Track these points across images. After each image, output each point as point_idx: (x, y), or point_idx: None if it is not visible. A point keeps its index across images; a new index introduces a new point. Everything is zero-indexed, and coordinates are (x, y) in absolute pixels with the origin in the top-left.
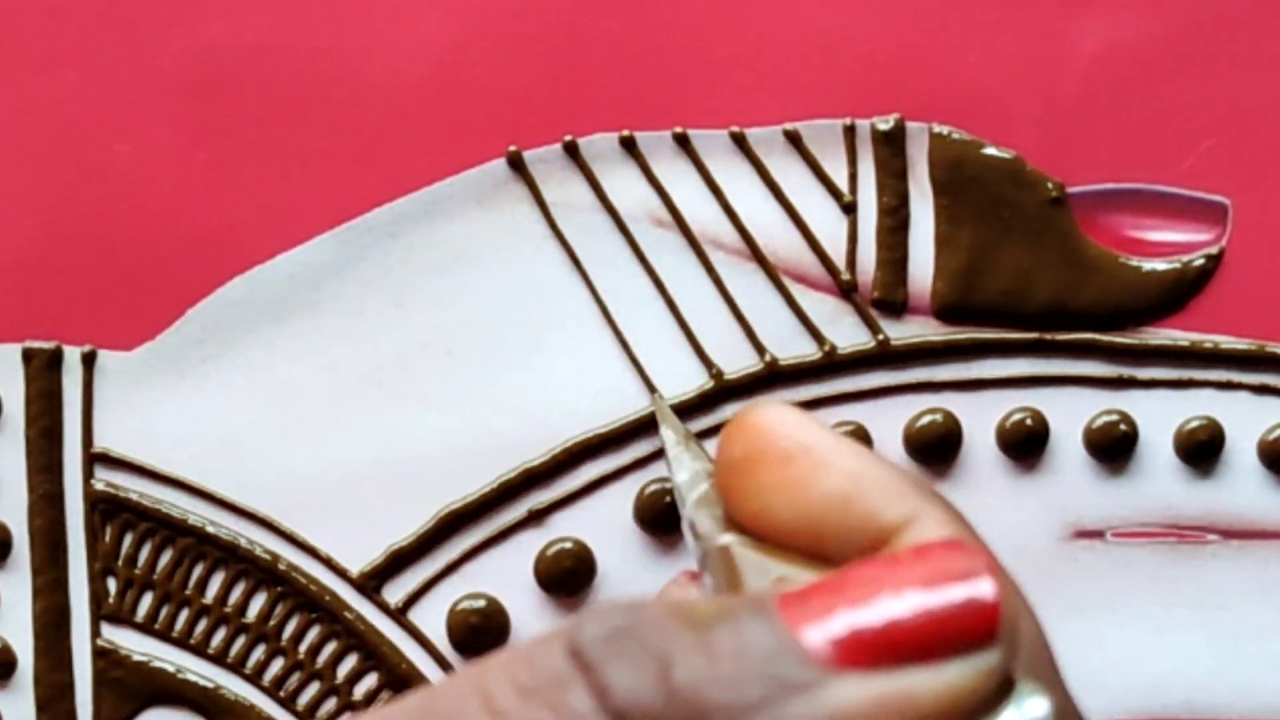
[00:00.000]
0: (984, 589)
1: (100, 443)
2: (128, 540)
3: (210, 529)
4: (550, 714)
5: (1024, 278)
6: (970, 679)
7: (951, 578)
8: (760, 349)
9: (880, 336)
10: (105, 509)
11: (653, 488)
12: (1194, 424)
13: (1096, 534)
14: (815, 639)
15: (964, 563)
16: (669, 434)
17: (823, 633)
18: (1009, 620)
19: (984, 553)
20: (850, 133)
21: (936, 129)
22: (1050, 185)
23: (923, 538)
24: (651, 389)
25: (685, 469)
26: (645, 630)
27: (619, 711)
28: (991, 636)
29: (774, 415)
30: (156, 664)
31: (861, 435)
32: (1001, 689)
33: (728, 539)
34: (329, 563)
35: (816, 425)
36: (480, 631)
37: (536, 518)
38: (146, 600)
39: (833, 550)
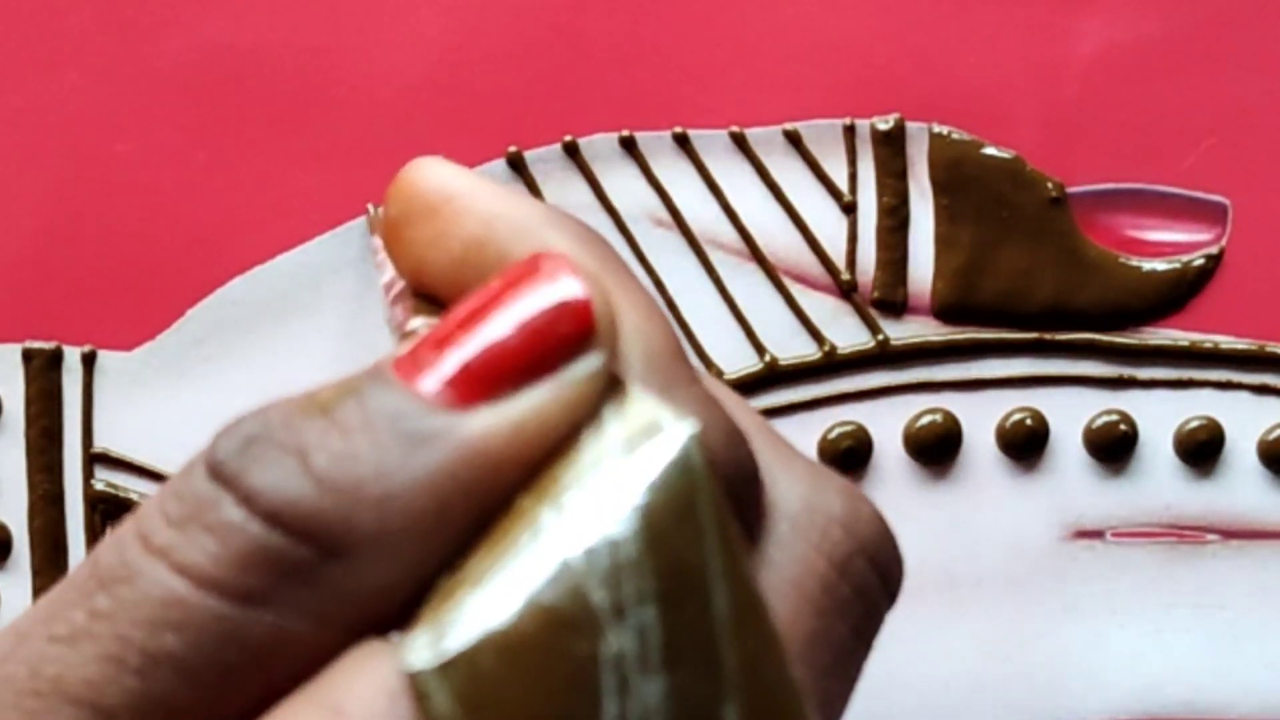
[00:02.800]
0: (568, 286)
1: (100, 443)
2: None
3: None
4: (206, 535)
5: (1024, 278)
6: (580, 382)
7: (532, 285)
8: (760, 349)
9: (880, 336)
10: (105, 509)
11: None
12: (1194, 424)
13: (1096, 534)
14: (431, 385)
15: (544, 268)
16: (376, 241)
17: (436, 378)
18: (607, 320)
19: (564, 256)
20: (850, 133)
21: (936, 129)
22: (1050, 185)
23: None
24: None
25: (388, 271)
26: (275, 429)
27: (271, 511)
28: (588, 336)
29: (421, 169)
30: None
31: (861, 435)
32: (609, 393)
33: (415, 323)
34: None
35: (464, 173)
36: None
37: None
38: None
39: None
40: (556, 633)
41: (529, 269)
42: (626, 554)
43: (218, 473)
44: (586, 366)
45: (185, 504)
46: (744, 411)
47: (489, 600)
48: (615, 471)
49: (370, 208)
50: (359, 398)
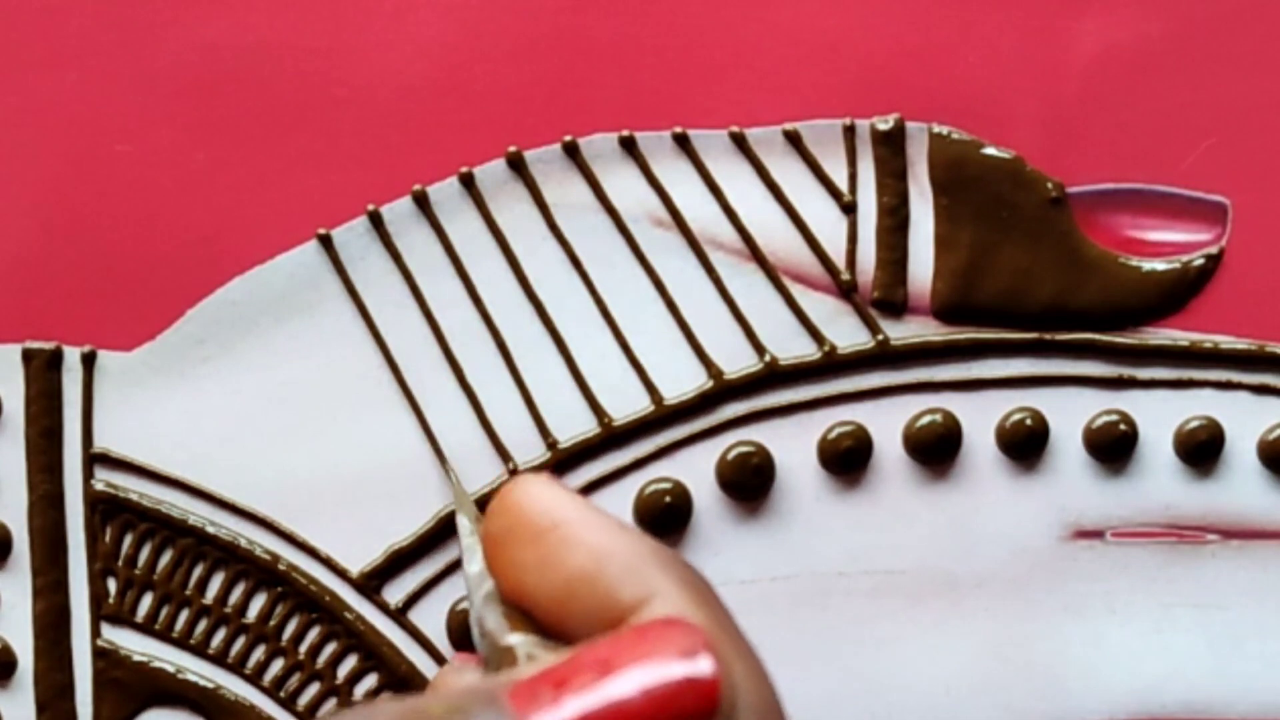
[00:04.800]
0: (702, 666)
1: (100, 443)
2: (128, 540)
3: (210, 529)
4: None
5: (1024, 278)
6: None
7: (669, 656)
8: (760, 349)
9: (880, 336)
10: (105, 509)
11: (652, 488)
12: (1194, 424)
13: (1096, 534)
14: None
15: (681, 641)
16: (464, 523)
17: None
18: (729, 695)
19: (703, 630)
20: (850, 133)
21: (936, 129)
22: (1050, 185)
23: (655, 616)
24: (448, 471)
25: (477, 561)
26: None
27: None
28: (710, 715)
29: (530, 489)
30: (156, 664)
31: (861, 435)
32: None
33: (514, 639)
34: (329, 563)
35: (571, 499)
36: None
37: None
38: (146, 600)
39: (580, 630)
40: None
41: (662, 632)
42: None
43: None
44: None
45: None
46: None
47: None
48: None
49: (451, 472)
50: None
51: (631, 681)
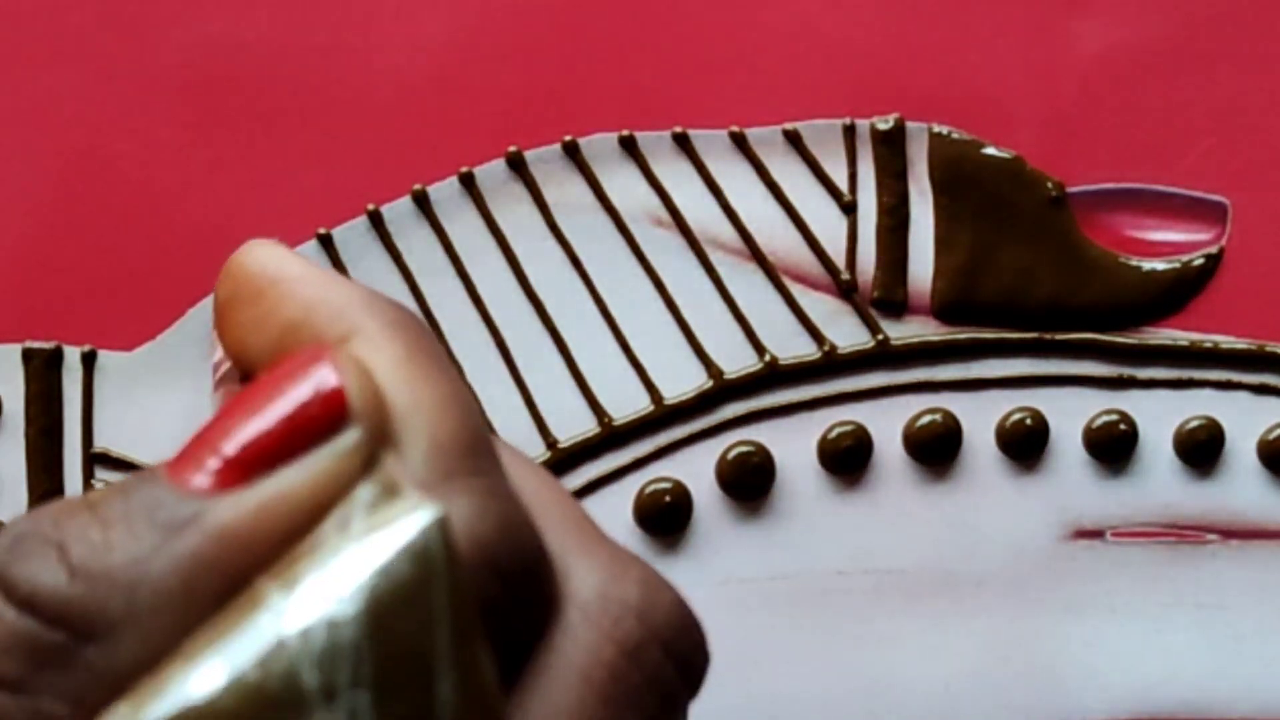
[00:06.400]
0: (324, 376)
1: (100, 443)
2: None
3: None
4: None
5: (1024, 278)
6: (328, 460)
7: (293, 377)
8: (760, 349)
9: (880, 336)
10: None
11: (652, 488)
12: (1194, 424)
13: (1096, 534)
14: (197, 481)
15: (307, 360)
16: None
17: (202, 473)
18: (368, 406)
19: (325, 346)
20: (850, 133)
21: (936, 129)
22: (1050, 185)
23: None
24: None
25: (219, 351)
26: (43, 525)
27: (26, 599)
28: (340, 419)
29: (251, 254)
30: None
31: (861, 435)
32: (370, 479)
33: None
34: None
35: (294, 258)
36: None
37: None
38: None
39: None
40: (260, 711)
41: (293, 360)
42: (345, 636)
43: None
44: (335, 445)
45: None
46: (550, 501)
47: (197, 677)
48: (350, 554)
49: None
50: (124, 494)
51: (264, 410)
